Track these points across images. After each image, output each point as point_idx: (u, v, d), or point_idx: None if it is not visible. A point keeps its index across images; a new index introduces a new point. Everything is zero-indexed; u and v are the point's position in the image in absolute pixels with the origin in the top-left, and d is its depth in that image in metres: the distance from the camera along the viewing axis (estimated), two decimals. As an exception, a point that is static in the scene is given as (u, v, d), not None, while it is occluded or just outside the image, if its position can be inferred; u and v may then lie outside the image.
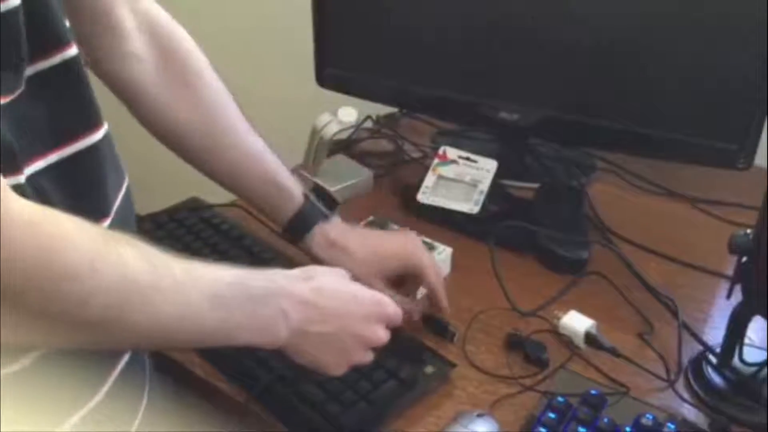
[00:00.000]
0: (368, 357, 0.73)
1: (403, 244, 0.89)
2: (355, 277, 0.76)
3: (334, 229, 0.89)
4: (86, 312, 0.52)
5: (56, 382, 0.60)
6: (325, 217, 0.89)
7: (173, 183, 1.09)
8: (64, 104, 0.61)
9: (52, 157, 0.60)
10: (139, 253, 0.56)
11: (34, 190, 0.57)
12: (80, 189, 0.62)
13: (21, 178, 0.55)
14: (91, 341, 0.57)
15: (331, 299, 0.69)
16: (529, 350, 0.83)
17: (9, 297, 0.48)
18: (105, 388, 0.65)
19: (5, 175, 0.52)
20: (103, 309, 0.53)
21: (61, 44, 0.60)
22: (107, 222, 0.65)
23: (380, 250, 0.88)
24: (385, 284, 0.86)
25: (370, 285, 0.77)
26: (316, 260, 0.88)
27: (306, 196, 0.89)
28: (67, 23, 0.62)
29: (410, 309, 0.86)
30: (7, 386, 0.57)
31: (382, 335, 0.72)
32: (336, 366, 0.71)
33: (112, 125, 0.69)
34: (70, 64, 0.61)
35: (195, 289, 0.60)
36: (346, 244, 0.88)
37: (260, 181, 0.88)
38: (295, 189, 0.89)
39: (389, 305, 0.73)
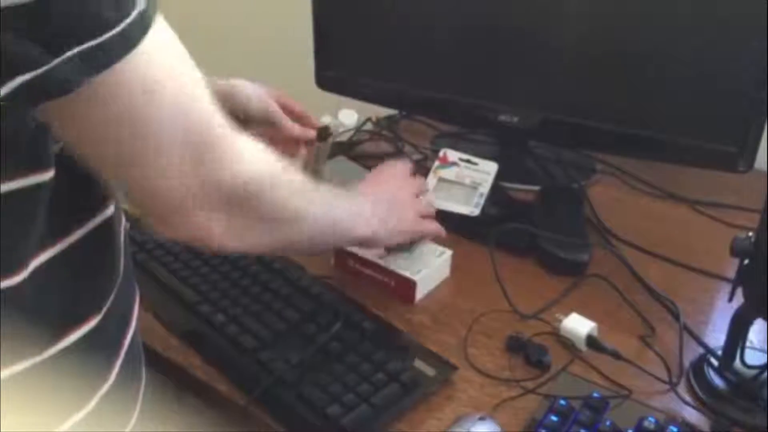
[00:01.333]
0: (432, 225, 0.96)
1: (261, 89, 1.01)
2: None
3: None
4: (287, 211, 0.71)
5: (55, 384, 0.60)
6: None
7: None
8: None
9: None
10: (300, 183, 0.73)
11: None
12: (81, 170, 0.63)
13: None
14: (287, 237, 0.73)
15: (381, 197, 0.91)
16: (531, 353, 0.83)
17: (252, 197, 0.65)
18: (104, 388, 0.65)
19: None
20: (296, 208, 0.72)
21: None
22: (111, 207, 0.66)
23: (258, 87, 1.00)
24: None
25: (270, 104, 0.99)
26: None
27: None
28: None
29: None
30: (7, 388, 0.57)
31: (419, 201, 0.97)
32: (415, 228, 0.94)
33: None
34: None
35: (330, 194, 0.80)
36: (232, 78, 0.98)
37: None
38: None
39: (405, 168, 1.00)
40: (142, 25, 0.51)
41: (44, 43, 0.46)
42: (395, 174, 0.98)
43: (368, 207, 0.86)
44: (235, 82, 0.97)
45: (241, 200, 0.63)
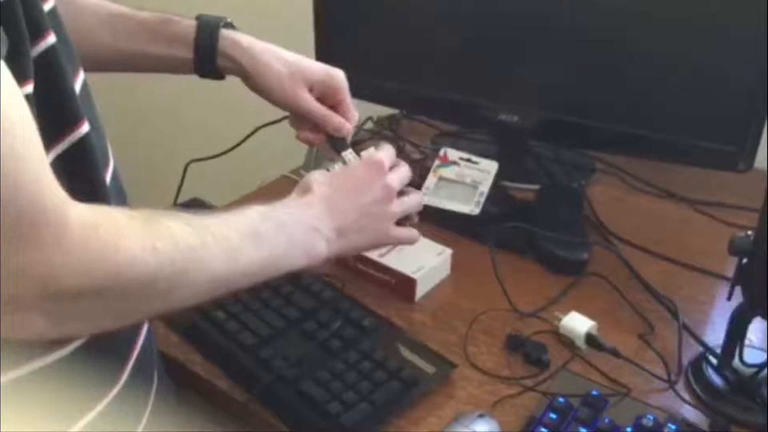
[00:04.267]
0: (407, 232, 0.82)
1: (327, 69, 0.89)
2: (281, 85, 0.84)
3: (244, 36, 0.87)
4: (156, 287, 0.58)
5: (68, 383, 0.60)
6: (229, 25, 0.87)
7: (173, 183, 1.10)
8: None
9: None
10: (180, 222, 0.61)
11: None
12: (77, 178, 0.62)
13: None
14: (163, 308, 0.62)
15: (341, 195, 0.76)
16: (530, 351, 0.84)
17: (87, 296, 0.53)
18: (115, 390, 0.65)
19: None
20: (169, 280, 0.58)
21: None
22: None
23: (303, 59, 0.88)
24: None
25: (296, 95, 0.85)
26: (243, 71, 0.86)
27: (198, 18, 0.86)
28: None
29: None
30: (20, 388, 0.57)
31: (400, 203, 0.80)
32: (385, 241, 0.82)
33: (112, 126, 0.69)
34: None
35: (236, 235, 0.65)
36: (265, 46, 0.86)
37: (149, 45, 0.85)
38: (183, 27, 0.86)
39: (378, 158, 0.80)
40: None
41: None
42: (370, 174, 0.80)
43: (321, 224, 0.73)
44: (258, 70, 0.85)
45: (83, 299, 0.53)
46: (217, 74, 0.88)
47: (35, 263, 0.49)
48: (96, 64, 0.82)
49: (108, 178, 0.66)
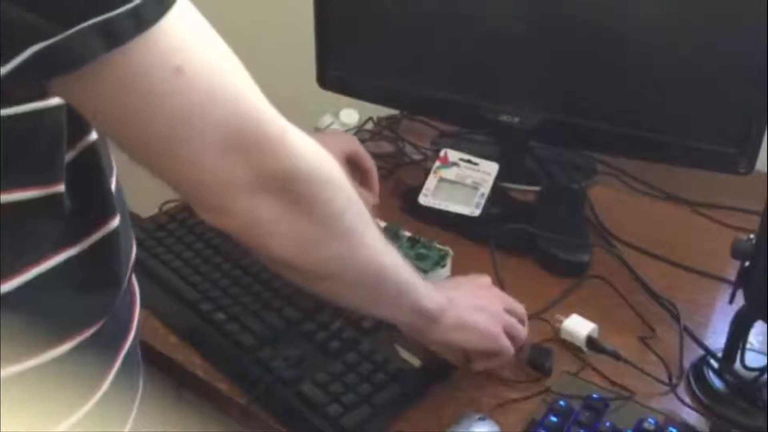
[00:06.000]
0: (505, 341, 0.80)
1: (339, 138, 1.03)
2: None
3: None
4: (341, 224, 0.63)
5: (47, 389, 0.60)
6: None
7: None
8: None
9: None
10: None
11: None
12: (85, 186, 0.62)
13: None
14: (339, 256, 0.64)
15: (468, 291, 0.81)
16: (534, 356, 0.83)
17: (302, 195, 0.59)
18: (102, 390, 0.65)
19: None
20: (351, 226, 0.64)
21: None
22: (116, 219, 0.65)
23: (329, 136, 0.97)
24: None
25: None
26: None
27: None
28: None
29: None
30: (6, 388, 0.57)
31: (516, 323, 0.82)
32: (490, 340, 0.80)
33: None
34: None
35: (402, 270, 0.70)
36: None
37: None
38: None
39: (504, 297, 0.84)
40: (163, 2, 0.48)
41: (56, 14, 0.45)
42: (481, 284, 0.85)
43: (444, 294, 0.76)
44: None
45: (294, 194, 0.58)
46: None
47: (265, 155, 0.55)
48: None
49: (113, 187, 0.66)
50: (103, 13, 0.46)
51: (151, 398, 0.75)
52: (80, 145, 0.60)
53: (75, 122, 0.58)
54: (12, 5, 0.44)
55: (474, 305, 0.79)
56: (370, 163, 1.06)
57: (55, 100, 0.54)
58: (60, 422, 0.61)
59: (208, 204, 0.57)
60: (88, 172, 0.61)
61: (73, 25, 0.45)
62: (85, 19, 0.45)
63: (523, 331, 0.82)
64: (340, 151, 0.99)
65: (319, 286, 0.68)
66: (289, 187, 0.57)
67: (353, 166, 1.05)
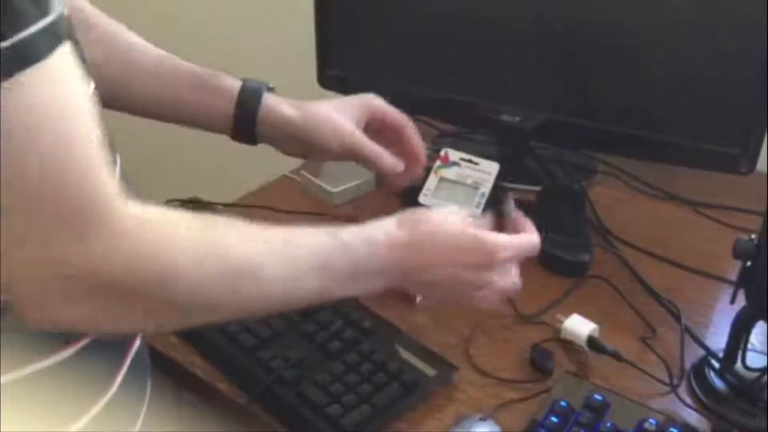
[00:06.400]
0: (492, 300, 0.72)
1: (354, 104, 0.88)
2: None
3: (283, 101, 0.85)
4: (197, 299, 0.56)
5: (66, 385, 0.60)
6: (270, 89, 0.86)
7: (173, 183, 1.09)
8: None
9: None
10: (242, 235, 0.59)
11: None
12: None
13: None
14: (205, 320, 0.61)
15: (430, 252, 0.68)
16: (535, 357, 0.83)
17: (126, 295, 0.52)
18: (111, 391, 0.65)
19: None
20: (211, 296, 0.57)
21: None
22: None
23: (344, 102, 0.88)
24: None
25: (352, 132, 0.84)
26: (286, 138, 0.85)
27: (243, 80, 0.84)
28: None
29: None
30: (18, 390, 0.57)
31: (501, 280, 0.71)
32: (453, 302, 0.75)
33: (111, 126, 0.69)
34: None
35: (304, 264, 0.62)
36: (306, 105, 0.85)
37: (190, 93, 0.83)
38: (229, 82, 0.84)
39: (499, 251, 0.69)
40: (22, 58, 0.45)
41: None
42: (467, 258, 0.69)
43: (391, 272, 0.68)
44: (309, 119, 0.84)
45: (127, 291, 0.52)
46: (253, 133, 0.85)
47: (79, 254, 0.49)
48: (134, 106, 0.83)
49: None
50: None
51: (156, 403, 0.75)
52: None
53: None
54: None
55: (430, 282, 0.69)
56: (403, 119, 0.90)
57: None
58: (71, 423, 0.61)
59: (25, 306, 0.51)
60: None
61: None
62: None
63: (508, 280, 0.72)
64: (357, 121, 0.87)
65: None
66: (118, 286, 0.52)
67: (379, 131, 0.90)
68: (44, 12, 0.47)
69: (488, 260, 0.70)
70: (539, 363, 0.82)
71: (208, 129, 0.86)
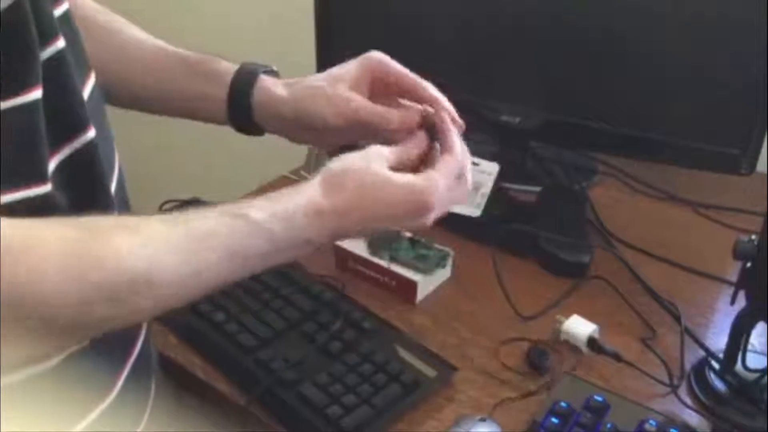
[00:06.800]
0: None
1: (359, 58, 0.80)
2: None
3: (279, 81, 0.78)
4: (90, 317, 0.52)
5: (67, 387, 0.60)
6: (271, 71, 0.80)
7: (173, 183, 1.09)
8: None
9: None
10: (133, 241, 0.54)
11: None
12: (81, 185, 0.61)
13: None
14: (98, 332, 0.56)
15: (359, 215, 0.64)
16: (533, 356, 0.83)
17: (10, 323, 0.48)
18: (114, 393, 0.65)
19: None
20: (94, 315, 0.52)
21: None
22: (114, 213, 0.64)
23: (340, 67, 0.80)
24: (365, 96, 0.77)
25: (348, 98, 0.74)
26: (284, 122, 0.77)
27: (242, 64, 0.79)
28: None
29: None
30: (18, 392, 0.57)
31: (443, 208, 0.68)
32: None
33: (111, 125, 0.69)
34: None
35: (205, 254, 0.57)
36: (300, 80, 0.77)
37: (186, 80, 0.79)
38: (225, 66, 0.79)
39: (431, 192, 0.65)
40: None
41: None
42: (410, 207, 0.66)
43: (319, 237, 0.63)
44: (299, 94, 0.77)
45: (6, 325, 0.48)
46: (251, 120, 0.78)
47: None
48: (136, 101, 0.80)
49: (113, 186, 0.66)
50: None
51: (160, 405, 0.75)
52: (72, 145, 0.59)
53: (65, 122, 0.57)
54: None
55: (360, 231, 0.68)
56: (410, 76, 0.80)
57: (18, 101, 0.52)
58: (73, 426, 0.61)
59: None
60: (84, 172, 0.61)
61: None
62: None
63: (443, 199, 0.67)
64: (356, 85, 0.78)
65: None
66: None
67: (386, 95, 0.79)
68: None
69: (422, 207, 0.66)
70: (535, 361, 0.82)
71: (210, 119, 0.81)
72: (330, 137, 0.77)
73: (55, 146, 0.57)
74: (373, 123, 0.74)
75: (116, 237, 0.53)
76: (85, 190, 0.60)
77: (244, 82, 0.78)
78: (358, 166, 0.65)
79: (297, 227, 0.62)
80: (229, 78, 0.78)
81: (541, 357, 0.83)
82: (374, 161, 0.66)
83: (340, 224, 0.64)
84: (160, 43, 0.82)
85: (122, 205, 0.68)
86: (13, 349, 0.50)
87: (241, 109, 0.78)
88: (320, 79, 0.77)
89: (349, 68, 0.79)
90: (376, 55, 0.80)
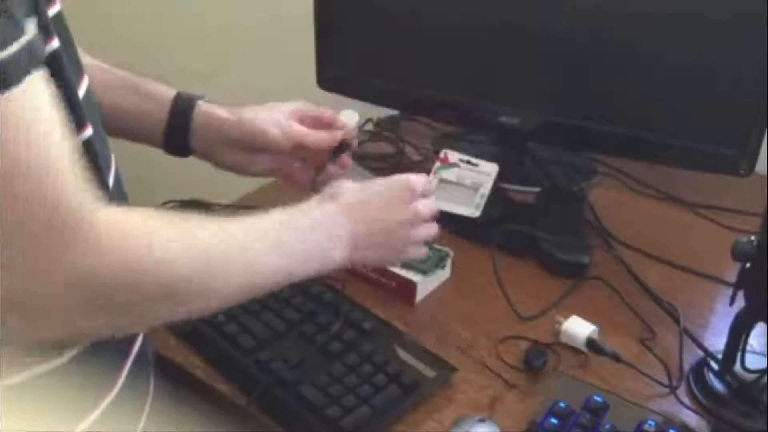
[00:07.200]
0: (417, 252, 0.81)
1: (276, 114, 0.88)
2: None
3: (218, 106, 0.86)
4: (179, 292, 0.59)
5: (67, 388, 0.60)
6: (204, 100, 0.86)
7: (173, 183, 1.09)
8: None
9: None
10: (205, 229, 0.62)
11: None
12: None
13: None
14: (184, 314, 0.61)
15: (368, 208, 0.76)
16: (531, 355, 0.83)
17: (115, 297, 0.54)
18: (113, 394, 0.65)
19: None
20: (192, 286, 0.59)
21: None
22: None
23: (272, 103, 0.88)
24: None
25: (290, 124, 0.85)
26: (221, 143, 0.85)
27: (178, 93, 0.85)
28: None
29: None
30: (19, 394, 0.57)
31: (425, 228, 0.80)
32: (395, 261, 0.85)
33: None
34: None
35: (260, 245, 0.66)
36: (240, 108, 0.86)
37: (125, 99, 0.83)
38: (164, 89, 0.85)
39: (409, 178, 0.79)
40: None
41: None
42: (402, 194, 0.79)
43: (343, 232, 0.73)
44: (244, 115, 0.86)
45: (107, 295, 0.54)
46: (186, 141, 0.85)
47: (66, 266, 0.51)
48: None
49: (111, 181, 0.66)
50: None
51: (158, 405, 0.75)
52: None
53: (67, 119, 0.57)
54: None
55: (374, 235, 0.76)
56: (326, 113, 0.90)
57: None
58: (73, 426, 0.61)
59: (20, 318, 0.53)
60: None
61: None
62: None
63: (433, 232, 0.81)
64: (289, 116, 0.87)
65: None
66: (99, 291, 0.53)
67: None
68: (20, 32, 0.48)
69: (405, 186, 0.78)
70: (533, 360, 0.83)
71: (144, 139, 0.86)
72: (261, 161, 0.88)
73: None
74: (313, 143, 0.87)
75: (190, 225, 0.61)
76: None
77: (184, 105, 0.84)
78: (344, 182, 0.78)
79: (320, 218, 0.72)
80: (169, 100, 0.84)
81: (539, 356, 0.83)
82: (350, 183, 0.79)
83: (360, 216, 0.74)
84: (105, 65, 0.84)
85: (120, 199, 0.68)
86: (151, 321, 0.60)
87: (179, 128, 0.84)
88: (263, 108, 0.87)
89: (281, 107, 0.88)
90: (299, 102, 0.90)
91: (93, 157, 0.62)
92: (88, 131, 0.61)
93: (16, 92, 0.48)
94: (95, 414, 0.63)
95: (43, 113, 0.50)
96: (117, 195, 0.67)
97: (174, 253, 0.57)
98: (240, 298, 0.66)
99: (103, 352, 0.63)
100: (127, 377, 0.67)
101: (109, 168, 0.67)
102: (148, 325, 0.65)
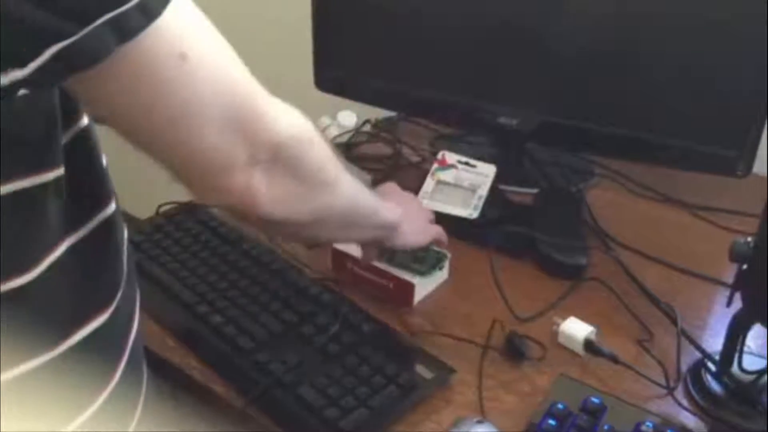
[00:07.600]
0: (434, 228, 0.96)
1: None
2: None
3: None
4: (325, 174, 0.70)
5: (60, 385, 0.60)
6: None
7: (171, 185, 1.09)
8: None
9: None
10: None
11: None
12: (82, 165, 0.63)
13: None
14: (325, 205, 0.72)
15: (410, 221, 0.89)
16: (516, 344, 0.84)
17: (292, 156, 0.64)
18: (108, 389, 0.65)
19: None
20: (332, 173, 0.71)
21: None
22: (113, 202, 0.66)
23: None
24: None
25: None
26: None
27: None
28: None
29: None
30: (13, 389, 0.57)
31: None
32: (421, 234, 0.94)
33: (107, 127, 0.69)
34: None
35: (367, 198, 0.81)
36: None
37: None
38: None
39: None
40: None
41: (72, 14, 0.47)
42: (399, 191, 0.97)
43: (388, 199, 0.86)
44: None
45: (283, 160, 0.63)
46: None
47: (260, 130, 0.60)
48: None
49: (104, 161, 0.67)
50: (114, 8, 0.48)
51: (151, 402, 0.75)
52: (74, 129, 0.60)
53: (67, 105, 0.58)
54: (26, 7, 0.45)
55: (414, 217, 0.91)
56: None
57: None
58: (67, 424, 0.61)
59: (210, 185, 0.61)
60: (84, 156, 0.62)
61: (89, 24, 0.47)
62: (100, 17, 0.47)
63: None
64: None
65: (304, 233, 0.76)
66: (280, 155, 0.62)
67: None
68: None
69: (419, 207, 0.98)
70: (514, 348, 0.83)
71: None
72: None
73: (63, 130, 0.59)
74: None
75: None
76: (87, 175, 0.63)
77: None
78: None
79: (385, 205, 0.85)
80: None
81: (520, 345, 0.83)
82: None
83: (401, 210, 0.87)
84: None
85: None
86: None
87: None
88: None
89: None
90: None
91: (93, 144, 0.63)
92: (84, 120, 0.61)
93: (176, 4, 0.53)
94: (89, 411, 0.63)
95: (202, 17, 0.56)
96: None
97: (329, 153, 0.70)
98: (348, 223, 0.79)
99: (101, 341, 0.63)
100: (121, 374, 0.67)
101: (100, 151, 0.68)
102: (306, 213, 0.71)
